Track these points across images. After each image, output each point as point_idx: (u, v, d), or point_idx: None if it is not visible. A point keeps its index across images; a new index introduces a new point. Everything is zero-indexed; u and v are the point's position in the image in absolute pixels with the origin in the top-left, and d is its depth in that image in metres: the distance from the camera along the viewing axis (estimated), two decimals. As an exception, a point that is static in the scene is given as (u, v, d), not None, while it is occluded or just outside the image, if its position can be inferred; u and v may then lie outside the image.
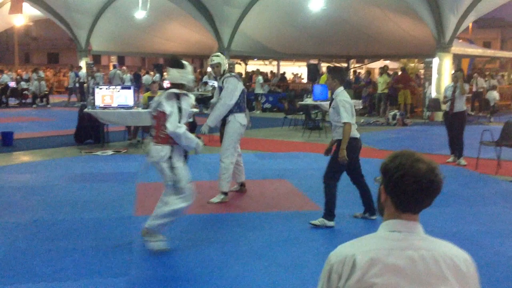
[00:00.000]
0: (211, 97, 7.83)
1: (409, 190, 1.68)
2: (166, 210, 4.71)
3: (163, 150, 4.66)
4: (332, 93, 5.88)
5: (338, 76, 5.78)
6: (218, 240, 5.21)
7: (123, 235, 5.30)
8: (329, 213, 5.58)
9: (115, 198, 6.76)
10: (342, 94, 5.65)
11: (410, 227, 1.71)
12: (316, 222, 5.58)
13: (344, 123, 5.51)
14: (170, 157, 4.68)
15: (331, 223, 5.56)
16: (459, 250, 1.73)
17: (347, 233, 5.30)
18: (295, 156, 10.34)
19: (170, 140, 4.64)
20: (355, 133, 5.66)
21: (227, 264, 4.53)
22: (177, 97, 4.66)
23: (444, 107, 9.50)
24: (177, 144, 4.68)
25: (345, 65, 26.04)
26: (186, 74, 4.87)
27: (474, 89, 19.87)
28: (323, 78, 16.85)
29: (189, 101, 4.75)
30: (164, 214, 4.72)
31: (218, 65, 6.76)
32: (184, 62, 4.95)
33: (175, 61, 4.91)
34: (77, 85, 23.76)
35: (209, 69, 31.80)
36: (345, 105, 5.55)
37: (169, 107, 4.61)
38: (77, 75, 23.79)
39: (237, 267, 4.46)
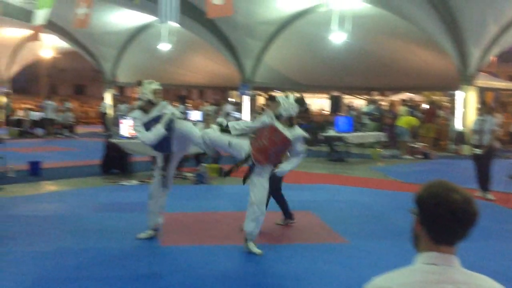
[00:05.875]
0: None
1: (444, 221, 1.64)
2: None
3: None
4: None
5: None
6: (242, 273, 5.17)
7: (151, 264, 5.29)
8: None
9: (141, 227, 6.76)
10: None
11: (447, 259, 1.66)
12: None
13: None
14: None
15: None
16: (497, 284, 1.69)
17: (372, 265, 5.22)
18: (320, 188, 10.28)
19: None
20: None
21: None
22: None
23: (473, 140, 9.41)
24: None
25: (367, 97, 26.02)
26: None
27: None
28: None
29: None
30: None
31: None
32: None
33: None
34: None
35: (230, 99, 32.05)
36: None
37: None
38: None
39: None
